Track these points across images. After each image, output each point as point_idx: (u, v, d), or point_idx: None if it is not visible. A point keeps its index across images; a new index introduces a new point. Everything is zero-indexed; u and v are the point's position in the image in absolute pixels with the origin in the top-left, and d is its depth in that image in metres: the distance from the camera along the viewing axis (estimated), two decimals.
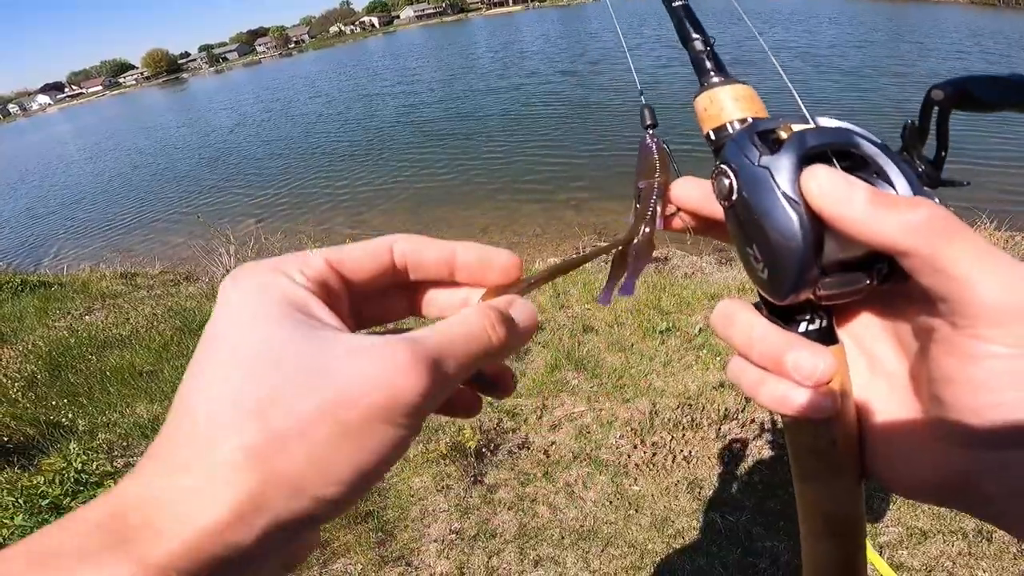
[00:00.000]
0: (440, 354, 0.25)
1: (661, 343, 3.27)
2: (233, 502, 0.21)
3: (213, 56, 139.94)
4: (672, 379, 2.96)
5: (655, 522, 2.21)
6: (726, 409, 2.63)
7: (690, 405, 2.73)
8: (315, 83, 35.65)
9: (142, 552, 0.20)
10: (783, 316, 0.32)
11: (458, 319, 0.28)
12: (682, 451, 2.48)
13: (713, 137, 0.35)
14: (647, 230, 0.37)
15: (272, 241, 6.47)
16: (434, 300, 0.34)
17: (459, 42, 47.59)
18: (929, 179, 0.29)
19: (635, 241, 0.37)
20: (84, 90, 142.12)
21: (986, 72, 0.30)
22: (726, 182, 0.30)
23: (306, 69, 52.41)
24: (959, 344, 0.25)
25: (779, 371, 0.30)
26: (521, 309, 0.31)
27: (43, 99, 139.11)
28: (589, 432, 2.68)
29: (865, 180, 0.27)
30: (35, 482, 2.22)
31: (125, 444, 2.87)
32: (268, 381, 0.23)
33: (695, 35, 0.38)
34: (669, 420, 2.65)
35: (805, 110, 0.31)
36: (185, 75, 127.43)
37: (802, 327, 0.32)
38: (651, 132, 0.38)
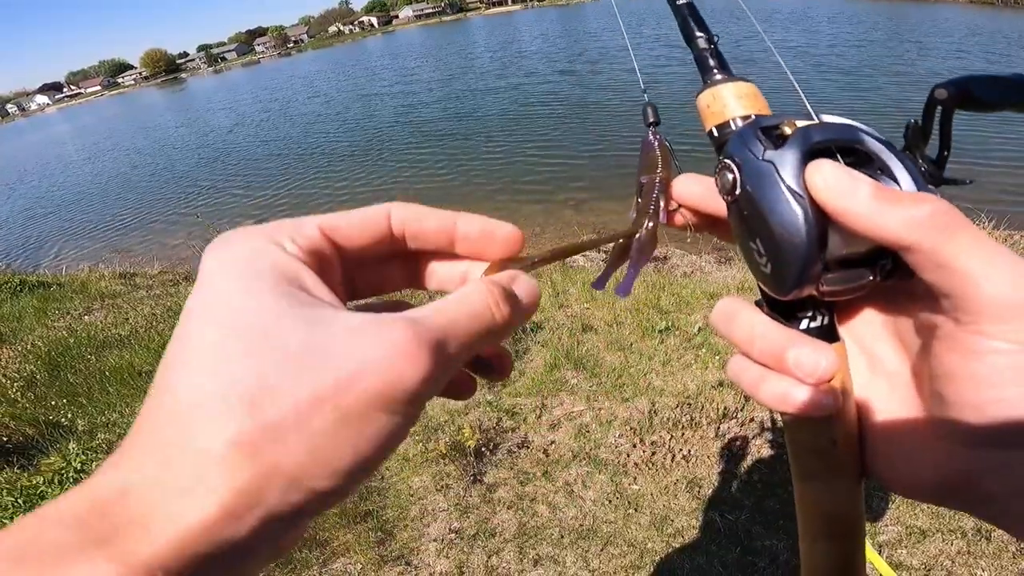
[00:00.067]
0: (442, 335, 0.24)
1: (660, 342, 3.27)
2: (223, 497, 0.20)
3: (212, 56, 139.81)
4: (671, 378, 2.96)
5: (654, 521, 2.22)
6: (725, 408, 2.63)
7: (689, 404, 2.73)
8: (314, 83, 35.62)
9: (127, 550, 0.19)
10: (784, 313, 0.32)
11: (459, 296, 0.26)
12: (681, 450, 2.48)
13: (716, 134, 0.35)
14: (650, 224, 0.37)
15: None
16: (433, 272, 0.33)
17: (458, 42, 47.56)
18: (932, 178, 0.30)
19: (639, 235, 0.37)
20: (82, 90, 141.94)
21: (987, 72, 0.30)
22: (729, 176, 0.30)
23: (305, 69, 52.36)
24: (962, 340, 0.25)
25: (780, 368, 0.30)
26: (524, 285, 0.30)
27: (41, 99, 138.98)
28: (588, 431, 2.68)
29: (869, 176, 0.27)
30: (34, 482, 2.22)
31: None
32: (259, 365, 0.21)
33: (699, 33, 0.38)
34: (668, 419, 2.65)
35: (809, 106, 0.31)
36: (184, 75, 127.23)
37: (803, 324, 0.32)
38: (654, 129, 0.39)
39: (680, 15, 0.39)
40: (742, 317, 0.32)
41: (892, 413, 0.32)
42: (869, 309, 0.33)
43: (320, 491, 0.22)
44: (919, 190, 0.28)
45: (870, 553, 1.85)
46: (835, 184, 0.26)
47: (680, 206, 0.36)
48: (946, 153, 0.30)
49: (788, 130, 0.29)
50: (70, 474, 2.26)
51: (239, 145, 18.31)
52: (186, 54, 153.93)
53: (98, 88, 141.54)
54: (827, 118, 0.31)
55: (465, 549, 2.19)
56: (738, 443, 2.49)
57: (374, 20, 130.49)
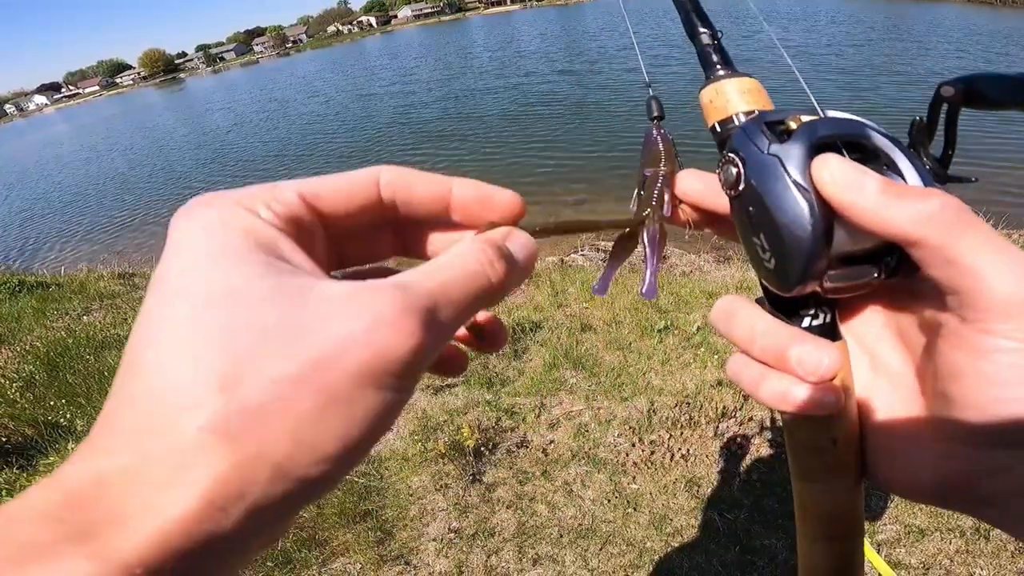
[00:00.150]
0: (433, 300, 0.22)
1: (659, 342, 3.27)
2: (203, 489, 0.18)
3: (210, 56, 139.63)
4: (670, 377, 2.96)
5: (653, 520, 2.22)
6: (724, 407, 2.63)
7: (688, 403, 2.73)
8: (312, 83, 35.58)
9: (104, 546, 0.18)
10: (786, 311, 0.32)
11: (450, 257, 0.25)
12: (680, 449, 2.48)
13: (719, 129, 0.35)
14: (656, 216, 0.36)
15: None
16: (428, 241, 0.31)
17: (457, 41, 47.53)
18: (936, 176, 0.29)
19: (650, 228, 0.36)
20: (81, 90, 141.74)
21: (988, 70, 0.30)
22: (733, 171, 0.30)
23: (303, 69, 52.33)
24: (968, 338, 0.25)
25: (782, 366, 0.30)
26: (519, 241, 0.28)
27: (40, 99, 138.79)
28: (587, 431, 2.68)
29: (876, 171, 0.27)
30: (34, 482, 2.22)
31: None
32: (233, 343, 0.19)
33: (702, 28, 0.37)
34: (667, 418, 2.65)
35: (815, 101, 0.31)
36: (182, 75, 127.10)
37: (805, 322, 0.32)
38: (657, 123, 0.38)
39: (683, 10, 0.39)
40: (743, 315, 0.32)
41: (893, 413, 0.31)
42: (871, 308, 0.33)
43: (309, 479, 0.20)
44: (926, 186, 0.28)
45: (869, 552, 1.85)
46: (842, 178, 0.26)
47: (681, 202, 0.36)
48: (951, 151, 0.30)
49: (793, 125, 0.29)
50: None
51: (238, 145, 18.31)
52: (184, 54, 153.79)
53: (96, 88, 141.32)
54: (833, 114, 0.31)
55: (464, 549, 2.19)
56: (737, 442, 2.49)
57: (373, 20, 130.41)
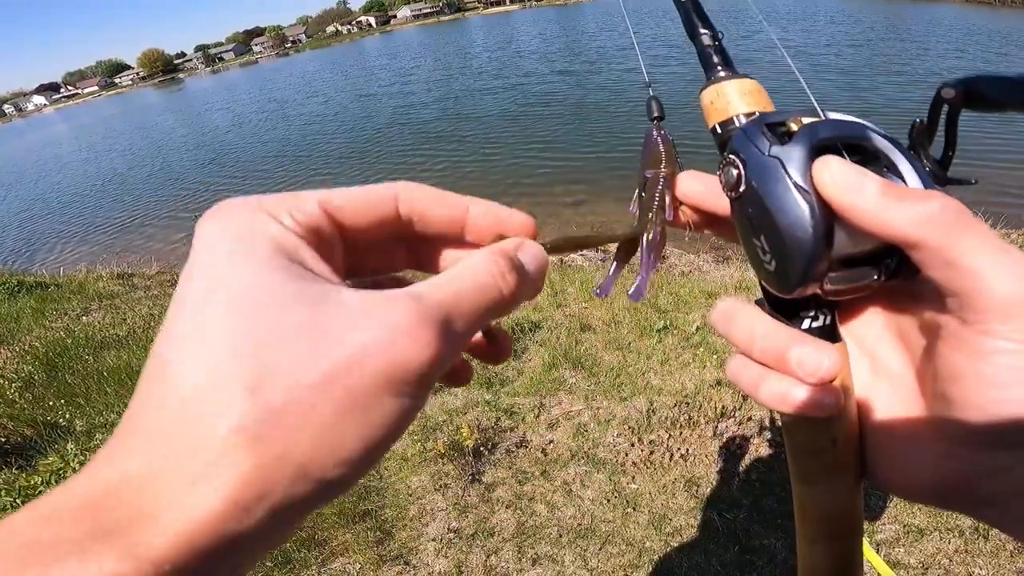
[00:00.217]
0: (447, 311, 0.23)
1: (658, 341, 3.27)
2: (230, 489, 0.19)
3: (209, 56, 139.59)
4: (669, 377, 2.96)
5: (653, 520, 2.22)
6: (723, 407, 2.63)
7: (687, 403, 2.73)
8: (312, 83, 35.59)
9: (134, 544, 0.18)
10: (786, 313, 0.32)
11: (463, 269, 0.25)
12: (679, 449, 2.48)
13: (719, 131, 0.35)
14: (658, 220, 0.36)
15: None
16: (441, 257, 0.31)
17: (456, 41, 47.53)
18: (936, 178, 0.29)
19: (648, 233, 0.36)
20: (80, 90, 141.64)
21: (988, 71, 0.30)
22: (734, 172, 0.30)
23: (303, 69, 52.31)
24: (968, 340, 0.25)
25: (782, 368, 0.30)
26: (530, 252, 0.28)
27: (39, 100, 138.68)
28: (587, 430, 2.68)
29: (876, 173, 0.27)
30: (33, 482, 2.22)
31: None
32: (260, 347, 0.20)
33: (703, 29, 0.37)
34: (666, 418, 2.66)
35: (815, 103, 0.31)
36: (181, 75, 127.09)
37: (805, 324, 0.32)
38: (657, 124, 0.38)
39: (684, 11, 0.39)
40: (742, 316, 0.32)
41: (893, 414, 0.31)
42: (871, 310, 0.33)
43: (327, 480, 0.21)
44: (925, 188, 0.28)
45: (868, 552, 1.85)
46: (842, 180, 0.26)
47: (681, 204, 0.36)
48: (951, 153, 0.30)
49: (794, 127, 0.29)
50: (68, 474, 2.25)
51: (237, 146, 18.31)
52: (184, 54, 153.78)
53: (95, 88, 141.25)
54: (833, 116, 0.31)
55: (464, 548, 2.19)
56: (736, 442, 2.49)
57: (372, 20, 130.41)
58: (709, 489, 2.31)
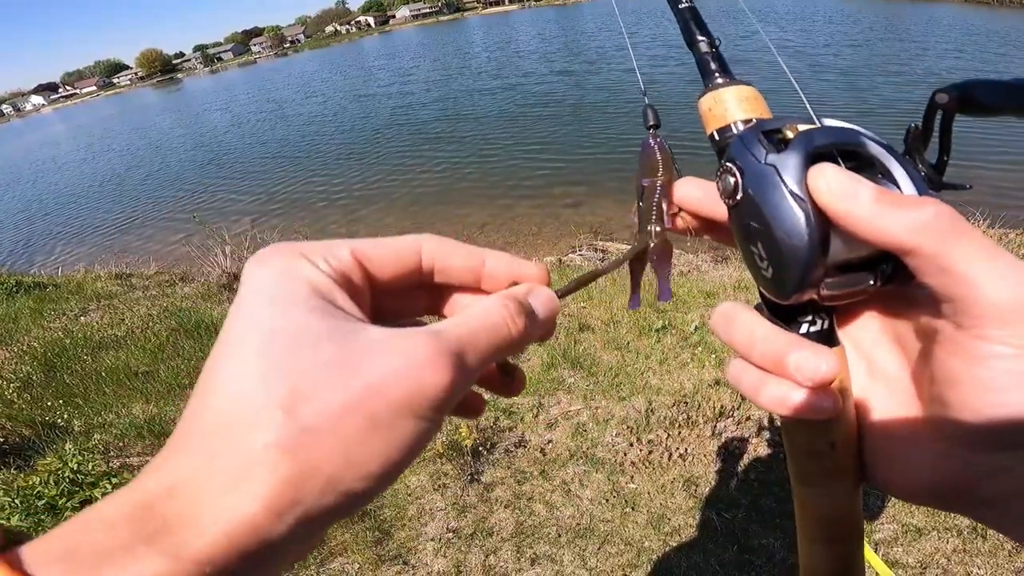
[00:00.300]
0: (461, 346, 0.25)
1: (657, 341, 3.27)
2: (266, 496, 0.21)
3: (208, 56, 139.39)
4: (668, 377, 2.97)
5: (651, 520, 2.22)
6: (722, 407, 2.63)
7: (686, 403, 2.73)
8: (310, 83, 35.58)
9: (176, 544, 0.20)
10: (784, 317, 0.32)
11: (477, 311, 0.28)
12: (678, 449, 2.49)
13: (717, 138, 0.35)
14: (659, 230, 0.37)
15: (268, 241, 6.44)
16: (457, 303, 0.34)
17: (455, 42, 47.54)
18: (931, 183, 0.29)
19: (651, 246, 0.37)
20: (78, 90, 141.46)
21: (985, 74, 0.30)
22: (731, 180, 0.30)
23: (301, 69, 52.30)
24: (964, 344, 0.25)
25: (781, 372, 0.30)
26: (541, 298, 0.31)
27: (37, 100, 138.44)
28: (585, 430, 2.68)
29: (871, 180, 0.27)
30: (31, 482, 2.21)
31: (121, 445, 2.86)
32: (297, 372, 0.23)
33: (701, 37, 0.38)
34: (665, 418, 2.66)
35: (811, 110, 0.32)
36: (180, 75, 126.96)
37: (804, 328, 0.32)
38: (654, 132, 0.38)
39: (682, 18, 0.39)
40: (742, 321, 0.32)
41: (891, 417, 0.32)
42: (869, 314, 0.33)
43: (352, 492, 0.23)
44: (920, 194, 0.28)
45: (867, 552, 1.85)
46: (837, 188, 0.26)
47: (680, 210, 0.36)
48: (946, 158, 0.30)
49: (790, 134, 0.29)
50: (66, 475, 2.25)
51: (235, 146, 18.31)
52: (182, 54, 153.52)
53: (94, 88, 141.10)
54: (828, 122, 0.31)
55: (463, 548, 2.19)
56: (735, 442, 2.49)
57: (371, 20, 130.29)
58: (708, 489, 2.32)
